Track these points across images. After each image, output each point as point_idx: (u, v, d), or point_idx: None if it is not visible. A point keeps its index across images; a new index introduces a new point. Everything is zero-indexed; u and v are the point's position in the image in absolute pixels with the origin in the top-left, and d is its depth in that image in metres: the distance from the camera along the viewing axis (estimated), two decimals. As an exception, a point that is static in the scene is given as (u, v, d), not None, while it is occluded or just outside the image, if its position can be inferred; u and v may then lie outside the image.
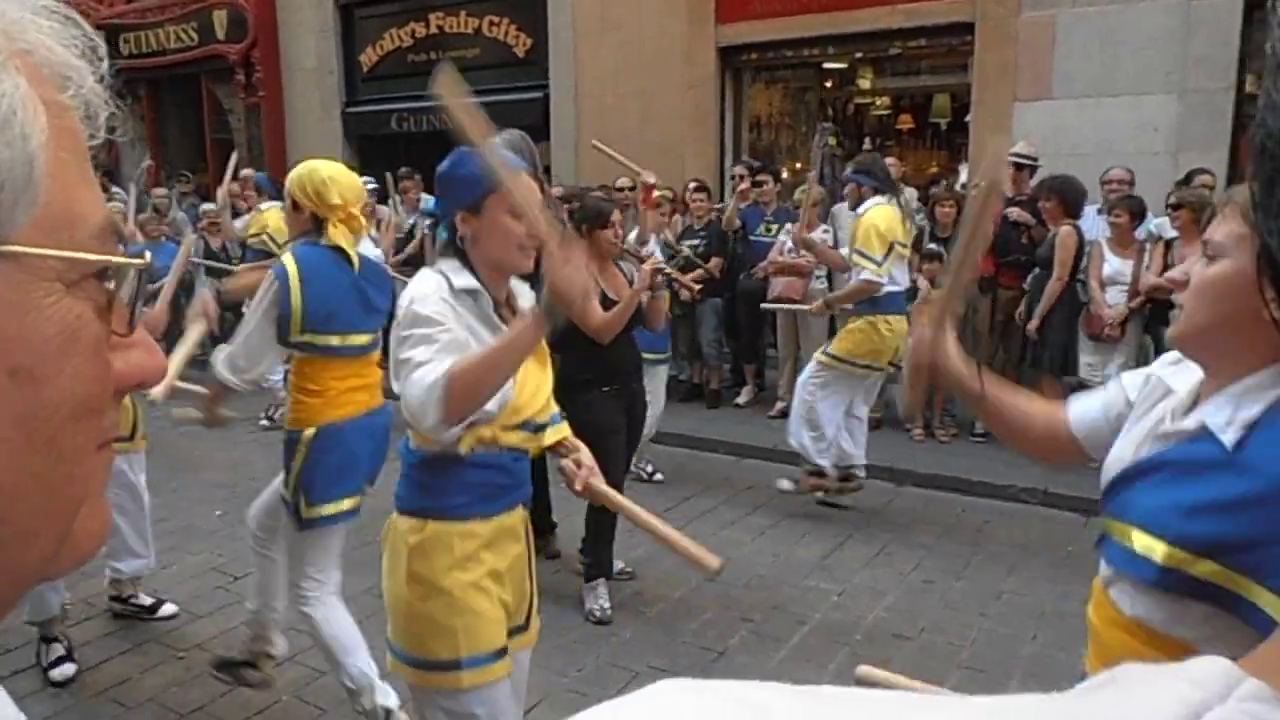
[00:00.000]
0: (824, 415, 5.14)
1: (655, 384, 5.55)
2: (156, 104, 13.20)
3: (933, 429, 6.69)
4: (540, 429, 2.19)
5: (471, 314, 2.03)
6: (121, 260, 0.45)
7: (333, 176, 2.96)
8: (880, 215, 5.02)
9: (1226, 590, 1.14)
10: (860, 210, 5.14)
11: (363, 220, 3.06)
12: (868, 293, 5.02)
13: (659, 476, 5.91)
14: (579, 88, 9.56)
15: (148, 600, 4.02)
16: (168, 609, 4.04)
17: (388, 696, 3.02)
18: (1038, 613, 4.11)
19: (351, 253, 2.98)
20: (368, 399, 3.06)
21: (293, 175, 3.02)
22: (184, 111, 13.21)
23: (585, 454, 2.20)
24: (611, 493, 2.12)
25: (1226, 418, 1.22)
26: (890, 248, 4.95)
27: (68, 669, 3.55)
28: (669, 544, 1.97)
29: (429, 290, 2.00)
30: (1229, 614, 1.15)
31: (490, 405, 1.99)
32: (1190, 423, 1.27)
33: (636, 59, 9.08)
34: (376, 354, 3.13)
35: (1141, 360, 5.79)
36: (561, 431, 2.29)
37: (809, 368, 5.31)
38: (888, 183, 5.20)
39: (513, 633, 2.23)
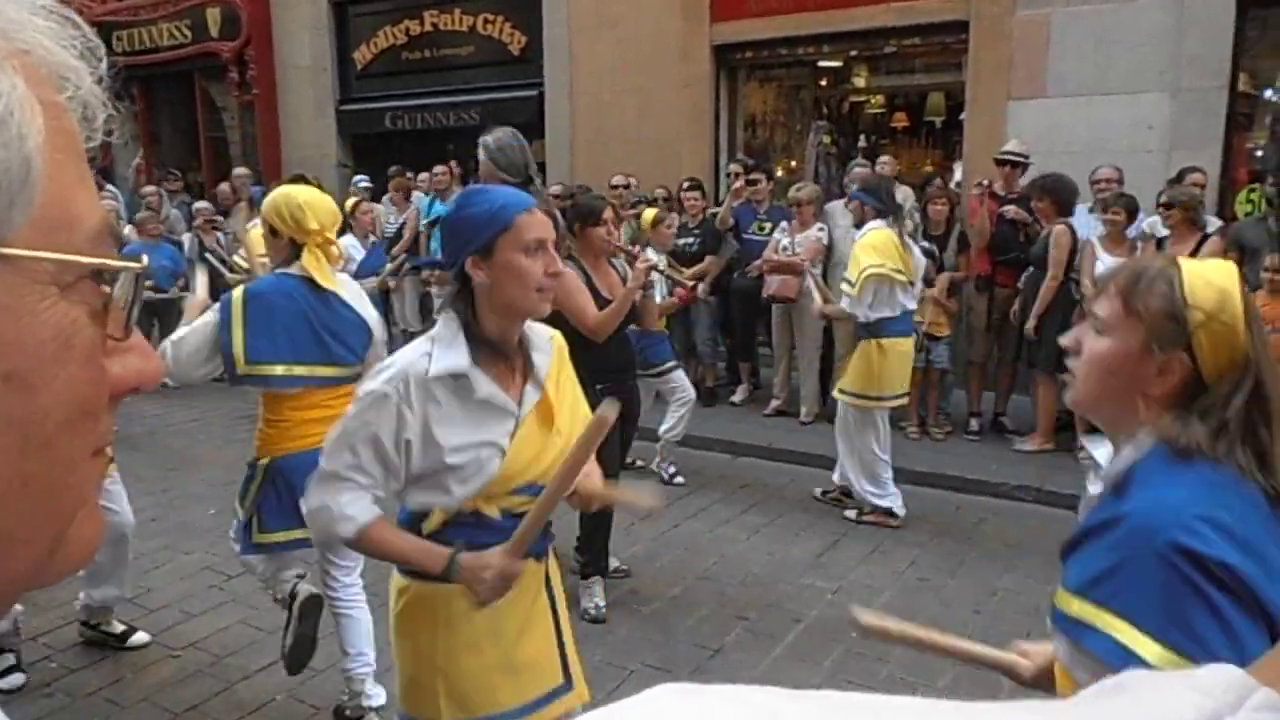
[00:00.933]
0: (866, 453, 5.08)
1: (674, 386, 5.57)
2: (150, 102, 13.15)
3: (927, 427, 6.69)
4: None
5: (448, 400, 1.86)
6: (119, 263, 0.45)
7: (309, 201, 2.95)
8: (874, 239, 5.00)
9: (1084, 625, 1.26)
10: (861, 232, 5.13)
11: (339, 246, 3.07)
12: (844, 315, 5.22)
13: (679, 479, 5.87)
14: (574, 85, 9.54)
15: (119, 628, 3.79)
16: (139, 638, 3.78)
17: (371, 699, 3.18)
18: (1032, 610, 4.12)
19: (323, 280, 2.95)
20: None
21: (268, 201, 3.01)
22: (177, 109, 13.17)
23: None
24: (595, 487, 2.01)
25: (1109, 476, 1.37)
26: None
27: (16, 679, 3.47)
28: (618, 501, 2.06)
29: (386, 383, 1.85)
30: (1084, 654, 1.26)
31: (459, 490, 1.89)
32: (1095, 488, 1.41)
33: (632, 57, 9.07)
34: (345, 388, 3.01)
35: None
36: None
37: (839, 411, 5.24)
38: (891, 204, 5.16)
39: (551, 696, 2.05)
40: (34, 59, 0.42)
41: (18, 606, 3.53)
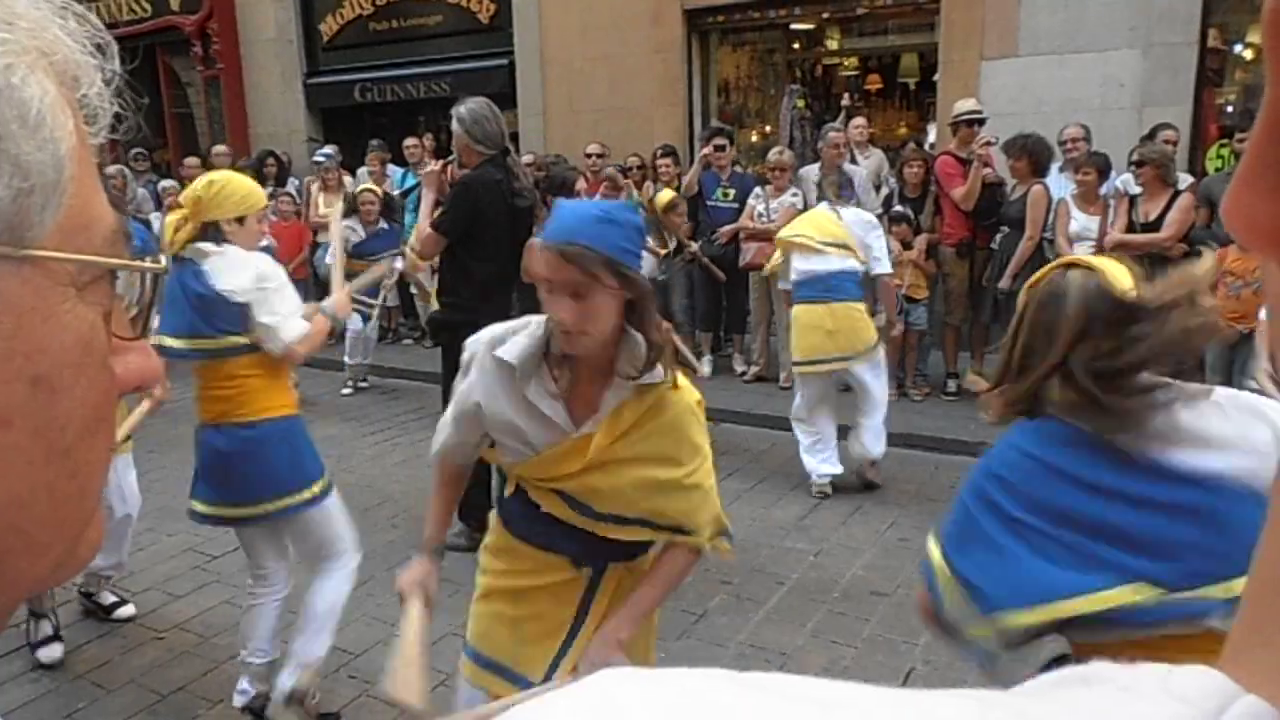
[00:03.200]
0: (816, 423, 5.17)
1: None
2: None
3: (905, 388, 6.74)
4: (595, 516, 2.01)
5: (498, 380, 1.97)
6: (140, 264, 0.45)
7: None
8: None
9: None
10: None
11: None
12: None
13: None
14: (545, 54, 9.43)
15: (109, 599, 3.89)
16: (125, 611, 3.86)
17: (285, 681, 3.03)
18: (1010, 566, 4.19)
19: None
20: (220, 409, 2.90)
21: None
22: (139, 85, 12.92)
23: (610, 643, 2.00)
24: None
25: None
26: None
27: (55, 650, 3.50)
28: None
29: (479, 347, 2.02)
30: None
31: (507, 459, 2.06)
32: None
33: (603, 23, 8.97)
34: (201, 363, 2.89)
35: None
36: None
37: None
38: None
39: (517, 679, 2.07)
40: (56, 59, 0.41)
41: None
